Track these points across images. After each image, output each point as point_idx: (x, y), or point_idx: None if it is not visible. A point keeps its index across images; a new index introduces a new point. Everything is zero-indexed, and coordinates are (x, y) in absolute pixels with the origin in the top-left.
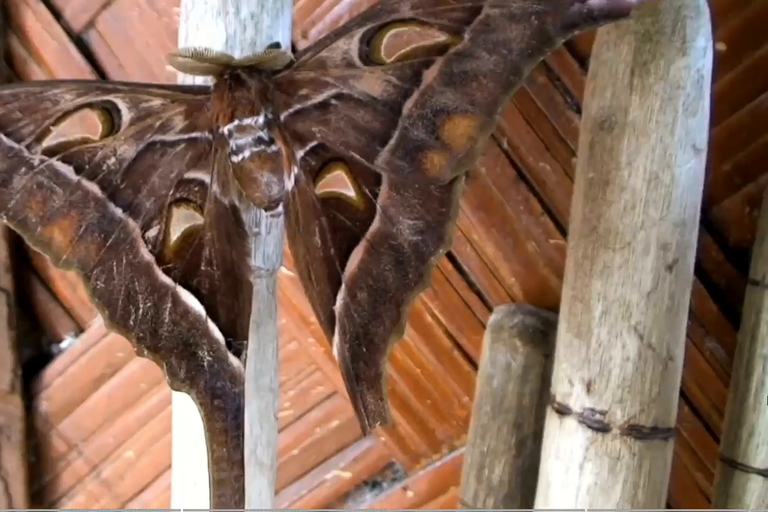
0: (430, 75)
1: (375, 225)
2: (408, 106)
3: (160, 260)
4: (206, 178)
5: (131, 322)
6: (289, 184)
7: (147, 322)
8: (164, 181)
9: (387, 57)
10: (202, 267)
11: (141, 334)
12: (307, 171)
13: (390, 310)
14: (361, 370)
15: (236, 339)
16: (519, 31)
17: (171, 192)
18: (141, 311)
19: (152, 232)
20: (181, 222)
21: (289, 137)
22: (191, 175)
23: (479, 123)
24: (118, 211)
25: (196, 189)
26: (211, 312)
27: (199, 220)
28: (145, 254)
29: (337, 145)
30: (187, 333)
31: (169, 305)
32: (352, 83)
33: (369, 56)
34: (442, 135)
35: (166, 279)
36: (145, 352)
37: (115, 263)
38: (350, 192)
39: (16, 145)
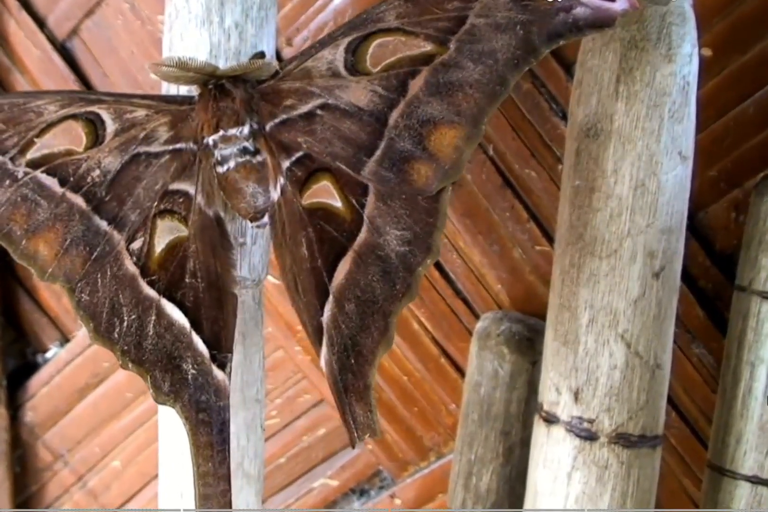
0: (416, 85)
1: (362, 235)
2: (394, 116)
3: (144, 272)
4: (191, 190)
5: (116, 335)
6: (275, 194)
7: (131, 335)
8: (149, 193)
9: (372, 67)
10: (187, 280)
11: (125, 347)
12: (294, 181)
13: (378, 321)
14: (350, 382)
15: (221, 352)
16: (504, 41)
17: (155, 203)
18: (125, 324)
19: (137, 244)
20: (166, 233)
21: (275, 147)
22: (176, 186)
23: (465, 133)
24: (103, 224)
25: (181, 200)
26: (196, 325)
27: (183, 231)
28: (130, 266)
29: (323, 155)
30: (172, 346)
31: (154, 318)
32: (338, 93)
33: (354, 66)
34: (429, 146)
35: (151, 292)
36: (130, 365)
37: (99, 276)
38: (337, 202)
39: (0, 157)
